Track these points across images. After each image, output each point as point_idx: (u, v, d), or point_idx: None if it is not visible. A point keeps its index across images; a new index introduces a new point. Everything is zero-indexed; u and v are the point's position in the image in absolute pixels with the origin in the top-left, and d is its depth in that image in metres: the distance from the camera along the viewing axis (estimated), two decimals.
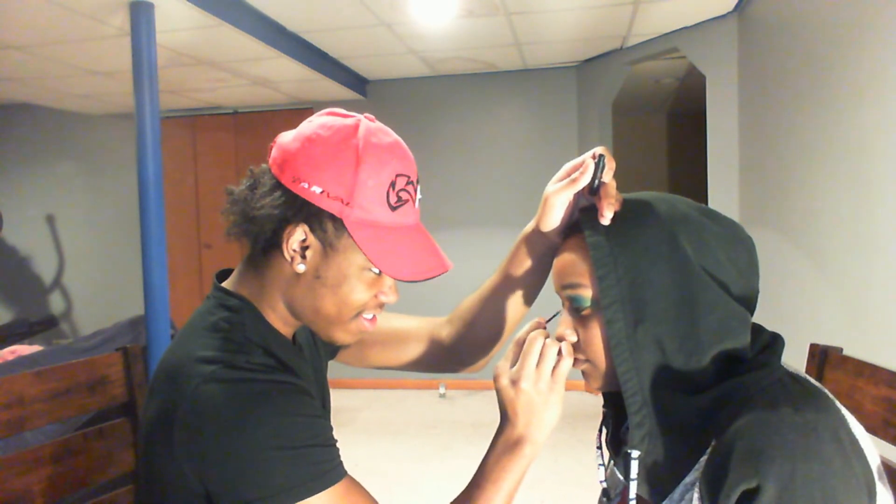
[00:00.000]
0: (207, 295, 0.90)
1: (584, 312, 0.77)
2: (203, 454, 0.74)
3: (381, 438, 4.12)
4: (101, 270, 5.64)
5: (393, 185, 0.81)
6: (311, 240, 0.81)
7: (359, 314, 0.85)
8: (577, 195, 0.82)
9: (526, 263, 0.98)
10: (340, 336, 0.86)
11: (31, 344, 3.45)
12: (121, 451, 1.30)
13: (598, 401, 4.20)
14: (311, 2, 3.45)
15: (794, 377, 0.71)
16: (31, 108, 5.42)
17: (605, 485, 0.88)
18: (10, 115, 5.60)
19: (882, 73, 2.06)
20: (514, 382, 0.79)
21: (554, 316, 0.85)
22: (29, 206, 5.69)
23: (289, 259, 0.82)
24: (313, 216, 0.80)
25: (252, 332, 0.83)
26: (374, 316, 0.88)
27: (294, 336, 0.94)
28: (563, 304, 0.81)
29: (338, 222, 0.80)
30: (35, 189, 5.75)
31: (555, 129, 5.10)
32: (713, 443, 0.68)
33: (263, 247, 0.84)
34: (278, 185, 0.81)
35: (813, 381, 0.71)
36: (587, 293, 0.76)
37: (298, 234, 0.80)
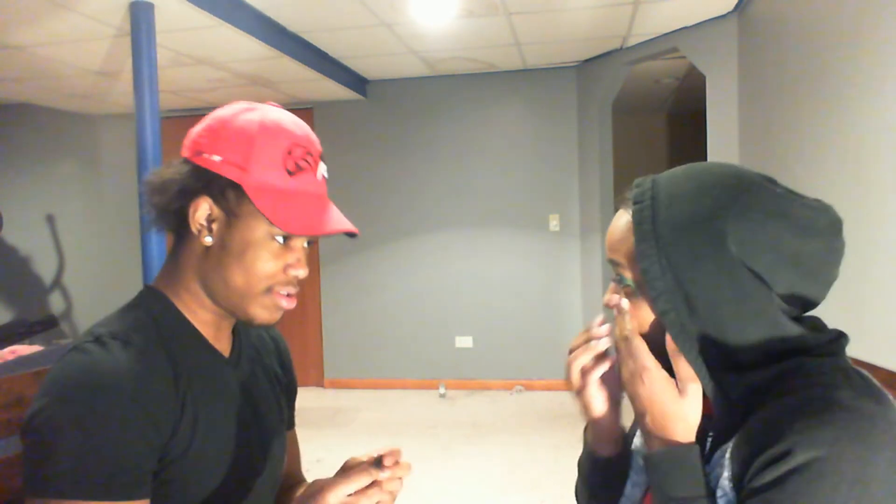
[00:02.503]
0: None
1: (628, 291, 0.76)
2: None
3: (381, 438, 4.12)
4: (101, 270, 5.64)
5: (290, 152, 0.84)
6: (216, 211, 0.83)
7: (271, 289, 0.85)
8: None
9: None
10: (256, 312, 0.86)
11: (31, 344, 3.46)
12: None
13: None
14: (311, 2, 3.45)
15: (858, 372, 0.68)
16: (31, 108, 5.42)
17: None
18: (10, 115, 5.60)
19: (882, 73, 2.06)
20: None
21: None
22: (29, 206, 5.69)
23: (196, 233, 0.84)
24: (214, 186, 0.82)
25: (130, 326, 0.83)
26: (292, 295, 0.87)
27: (237, 338, 0.94)
28: (612, 272, 0.80)
29: (238, 189, 0.82)
30: (35, 189, 5.75)
31: (555, 129, 5.10)
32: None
33: (176, 228, 0.86)
34: (183, 161, 0.86)
35: (876, 380, 0.68)
36: (629, 275, 0.75)
37: (203, 208, 0.83)
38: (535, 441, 4.05)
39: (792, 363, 0.67)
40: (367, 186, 5.38)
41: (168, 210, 0.85)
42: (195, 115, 4.95)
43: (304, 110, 5.50)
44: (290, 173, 0.83)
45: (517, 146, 5.19)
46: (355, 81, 5.09)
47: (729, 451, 0.67)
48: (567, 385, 0.82)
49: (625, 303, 0.77)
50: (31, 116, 5.57)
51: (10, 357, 2.61)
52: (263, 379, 0.99)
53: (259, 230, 0.83)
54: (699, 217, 0.69)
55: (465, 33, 4.08)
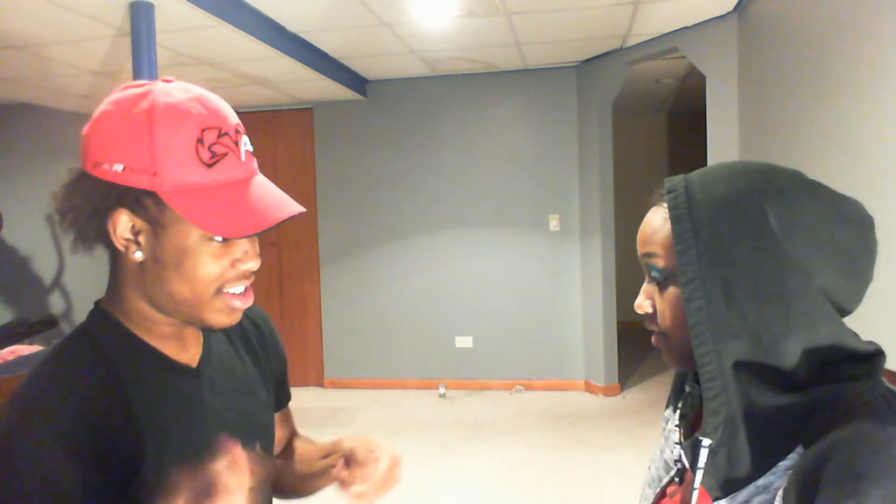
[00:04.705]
0: None
1: (662, 283, 0.73)
2: None
3: (381, 438, 4.11)
4: (101, 270, 5.61)
5: (200, 140, 0.73)
6: (138, 222, 0.74)
7: (220, 290, 0.77)
8: None
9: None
10: (211, 318, 0.78)
11: (31, 344, 3.45)
12: None
13: (597, 401, 4.21)
14: (311, 2, 3.45)
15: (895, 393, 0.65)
16: (31, 108, 5.42)
17: (658, 468, 0.83)
18: (10, 115, 5.60)
19: (882, 73, 2.06)
20: None
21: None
22: (29, 206, 5.69)
23: (123, 250, 0.75)
24: (128, 197, 0.73)
25: (73, 349, 0.78)
26: (246, 289, 0.80)
27: (207, 338, 0.89)
28: (644, 271, 0.77)
29: (154, 196, 0.72)
30: (35, 189, 5.74)
31: (555, 129, 5.10)
32: (800, 449, 0.63)
33: (103, 245, 0.78)
34: (82, 175, 0.75)
35: None
36: (663, 263, 0.72)
37: (123, 221, 0.74)
38: (535, 441, 4.05)
39: (830, 389, 0.64)
40: (367, 186, 5.38)
41: (86, 234, 0.76)
42: None
43: (304, 110, 5.50)
44: (207, 165, 0.73)
45: (517, 146, 5.19)
46: (355, 81, 5.09)
47: (780, 494, 0.64)
48: None
49: (648, 308, 0.76)
50: (31, 116, 5.57)
51: (10, 357, 2.61)
52: (243, 369, 0.94)
53: (191, 234, 0.74)
54: (736, 196, 0.67)
55: (465, 33, 4.08)
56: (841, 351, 0.66)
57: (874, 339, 0.71)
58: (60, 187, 0.77)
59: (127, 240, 0.75)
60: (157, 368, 0.81)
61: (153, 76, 3.01)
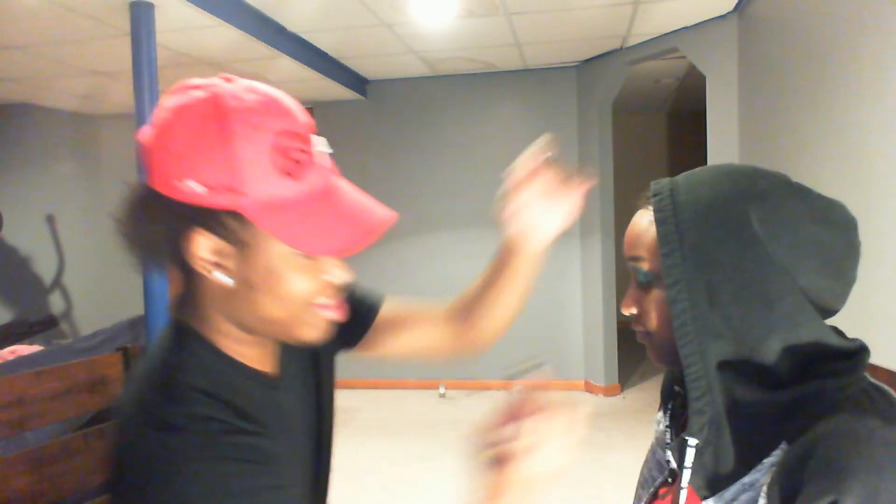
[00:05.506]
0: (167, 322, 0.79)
1: (646, 285, 0.74)
2: None
3: (381, 438, 4.12)
4: (101, 270, 5.64)
5: (279, 148, 0.66)
6: (220, 244, 0.67)
7: (312, 304, 0.72)
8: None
9: (509, 269, 0.97)
10: (306, 334, 0.74)
11: (31, 344, 3.45)
12: None
13: (597, 401, 4.21)
14: (311, 2, 3.45)
15: (878, 389, 0.66)
16: (31, 108, 5.42)
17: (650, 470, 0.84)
18: (10, 115, 5.60)
19: (882, 73, 2.07)
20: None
21: (526, 372, 0.82)
22: (29, 206, 5.69)
23: (206, 272, 0.69)
24: (208, 217, 0.66)
25: (199, 376, 0.71)
26: (336, 303, 0.75)
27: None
28: (630, 275, 0.78)
29: (238, 215, 0.66)
30: (35, 189, 5.75)
31: (555, 129, 5.08)
32: (783, 446, 0.65)
33: (180, 268, 0.71)
34: (152, 194, 0.68)
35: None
36: (648, 266, 0.73)
37: (202, 242, 0.67)
38: None
39: (813, 386, 0.65)
40: (367, 186, 5.31)
41: (157, 256, 0.71)
42: None
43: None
44: (289, 175, 0.67)
45: (517, 146, 5.14)
46: (355, 81, 5.09)
47: (764, 496, 0.65)
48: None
49: (633, 311, 0.76)
50: (31, 116, 5.57)
51: (10, 357, 2.61)
52: (315, 363, 0.89)
53: (279, 252, 0.68)
54: (720, 199, 0.68)
55: (465, 33, 4.08)
56: (823, 349, 0.67)
57: (874, 338, 0.71)
58: (125, 206, 0.70)
59: (207, 262, 0.68)
60: (257, 384, 0.76)
61: (153, 76, 3.01)
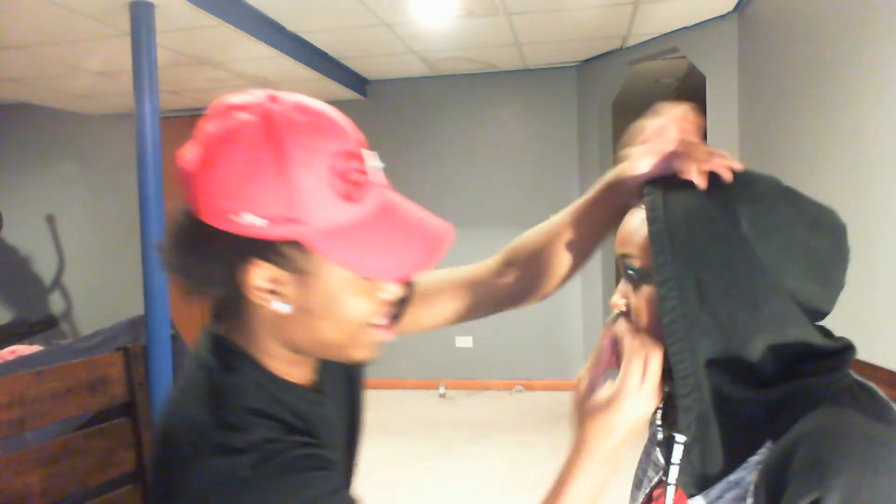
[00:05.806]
0: (203, 334, 0.76)
1: (637, 282, 0.75)
2: None
3: (381, 438, 4.12)
4: (101, 270, 5.64)
5: (336, 171, 0.64)
6: (278, 272, 0.66)
7: (367, 325, 0.72)
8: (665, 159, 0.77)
9: (603, 207, 0.87)
10: (359, 355, 0.74)
11: (31, 344, 3.45)
12: (121, 451, 1.30)
13: None
14: (311, 2, 3.45)
15: (863, 386, 0.68)
16: (31, 108, 5.42)
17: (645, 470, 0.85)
18: (10, 115, 5.60)
19: (882, 73, 2.07)
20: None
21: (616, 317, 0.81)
22: (29, 206, 5.69)
23: (263, 302, 0.67)
24: (265, 248, 0.64)
25: (254, 398, 0.70)
26: (389, 321, 0.75)
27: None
28: (621, 271, 0.79)
29: (298, 245, 0.64)
30: (35, 189, 5.75)
31: (555, 129, 5.10)
32: (769, 444, 0.66)
33: (230, 293, 0.69)
34: (206, 229, 0.64)
35: (881, 392, 0.68)
36: (639, 263, 0.74)
37: (259, 273, 0.65)
38: (535, 441, 4.05)
39: (798, 384, 0.66)
40: None
41: (209, 287, 0.69)
42: (195, 114, 4.96)
43: None
44: (347, 198, 0.64)
45: (517, 146, 5.19)
46: (355, 81, 5.09)
47: (751, 494, 0.66)
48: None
49: (622, 305, 0.76)
50: (31, 116, 5.57)
51: (10, 357, 2.61)
52: (348, 370, 0.88)
53: (340, 278, 0.66)
54: (711, 199, 0.69)
55: (465, 33, 4.08)
56: (808, 348, 0.68)
57: (874, 339, 0.72)
58: (174, 238, 0.68)
59: (264, 291, 0.66)
60: (305, 401, 0.76)
61: (153, 76, 3.01)
